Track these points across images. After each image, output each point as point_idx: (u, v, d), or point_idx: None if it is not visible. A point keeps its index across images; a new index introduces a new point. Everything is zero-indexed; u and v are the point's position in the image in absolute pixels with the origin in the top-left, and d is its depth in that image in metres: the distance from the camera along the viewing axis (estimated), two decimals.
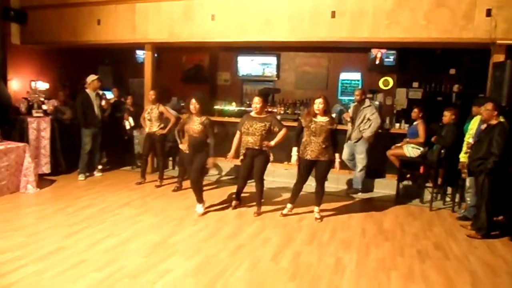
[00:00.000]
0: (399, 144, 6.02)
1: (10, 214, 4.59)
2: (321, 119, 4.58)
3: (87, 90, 6.18)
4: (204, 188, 5.84)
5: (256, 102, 4.75)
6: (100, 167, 6.52)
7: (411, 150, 5.77)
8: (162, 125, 5.93)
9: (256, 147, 4.70)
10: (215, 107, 7.86)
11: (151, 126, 5.94)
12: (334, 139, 4.66)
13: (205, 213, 4.80)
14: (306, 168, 4.69)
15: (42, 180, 5.83)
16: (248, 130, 4.72)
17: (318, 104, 4.58)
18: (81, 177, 6.18)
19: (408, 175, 6.01)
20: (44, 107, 6.56)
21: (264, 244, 3.92)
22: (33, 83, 7.09)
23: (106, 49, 8.32)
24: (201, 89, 8.37)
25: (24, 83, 7.21)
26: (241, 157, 4.80)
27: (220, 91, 8.64)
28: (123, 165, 7.04)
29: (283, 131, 4.72)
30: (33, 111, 6.32)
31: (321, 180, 4.74)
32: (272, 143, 4.72)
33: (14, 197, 5.21)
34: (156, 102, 5.91)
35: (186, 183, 5.93)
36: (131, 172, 6.76)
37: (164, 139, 6.09)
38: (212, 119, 5.94)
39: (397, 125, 6.53)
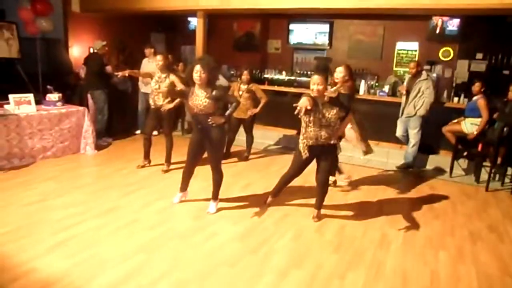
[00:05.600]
0: (455, 121, 5.69)
1: (72, 173, 4.95)
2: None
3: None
4: (251, 156, 5.95)
5: (317, 82, 3.47)
6: (155, 133, 6.78)
7: (469, 126, 5.44)
8: (170, 100, 4.91)
9: (332, 142, 3.67)
10: (266, 75, 7.81)
11: (158, 99, 4.95)
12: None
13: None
14: None
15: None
16: (320, 121, 3.54)
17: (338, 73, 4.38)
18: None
19: (465, 153, 5.70)
20: None
21: (309, 215, 3.94)
22: (91, 50, 7.41)
23: (160, 17, 8.46)
24: (251, 57, 8.38)
25: (83, 49, 7.53)
26: (305, 154, 3.66)
27: (271, 59, 8.55)
28: (173, 130, 7.27)
29: (350, 115, 3.82)
30: None
31: None
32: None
33: (75, 157, 5.59)
34: (165, 70, 4.85)
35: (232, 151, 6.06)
36: (181, 137, 6.95)
37: (173, 114, 5.25)
38: (262, 87, 5.96)
39: (456, 99, 6.16)
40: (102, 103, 6.25)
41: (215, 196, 3.95)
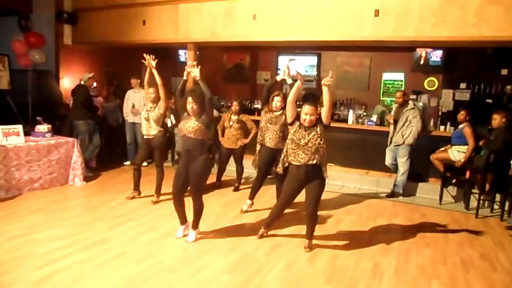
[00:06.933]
0: (442, 148, 5.79)
1: (60, 205, 4.86)
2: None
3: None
4: (242, 186, 5.92)
5: (310, 112, 3.54)
6: (144, 164, 6.74)
7: (456, 154, 5.53)
8: (162, 129, 4.99)
9: (311, 162, 3.58)
10: (255, 106, 7.89)
11: (149, 128, 4.97)
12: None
13: (246, 211, 4.86)
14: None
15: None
16: (299, 141, 3.58)
17: (276, 102, 4.69)
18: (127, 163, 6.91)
19: (454, 180, 5.76)
20: None
21: (300, 245, 3.89)
22: (82, 81, 7.46)
23: (150, 49, 8.59)
24: (241, 88, 8.49)
25: (74, 81, 7.58)
26: (279, 169, 3.84)
27: (260, 90, 8.64)
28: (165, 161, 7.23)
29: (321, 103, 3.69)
30: None
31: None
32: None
33: (63, 189, 5.51)
34: (157, 102, 4.95)
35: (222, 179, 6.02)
36: (171, 168, 6.92)
37: (165, 145, 5.27)
38: (252, 118, 6.00)
39: (442, 127, 6.27)
40: (82, 134, 6.23)
41: (195, 225, 3.91)
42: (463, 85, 7.01)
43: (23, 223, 4.14)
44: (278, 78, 4.58)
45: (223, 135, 5.86)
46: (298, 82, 3.69)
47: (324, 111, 3.60)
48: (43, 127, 5.59)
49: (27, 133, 5.45)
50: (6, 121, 5.38)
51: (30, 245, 3.61)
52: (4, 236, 3.78)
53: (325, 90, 3.57)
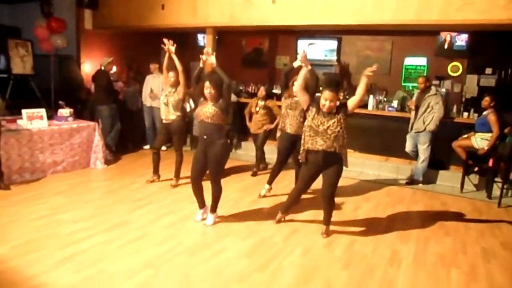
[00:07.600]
0: (465, 136, 5.64)
1: (82, 187, 4.99)
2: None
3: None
4: (260, 172, 5.94)
5: (329, 98, 3.45)
6: (163, 148, 6.82)
7: (479, 141, 5.39)
8: (180, 114, 5.00)
9: (331, 150, 3.55)
10: (274, 91, 7.85)
11: (167, 113, 5.00)
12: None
13: (264, 196, 4.88)
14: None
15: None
16: (317, 127, 3.54)
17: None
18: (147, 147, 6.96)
19: (476, 168, 5.63)
20: None
21: (318, 230, 3.90)
22: (102, 67, 7.54)
23: (169, 33, 8.59)
24: (260, 73, 8.44)
25: (95, 65, 7.67)
26: (302, 159, 3.71)
27: (279, 75, 8.57)
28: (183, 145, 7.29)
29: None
30: None
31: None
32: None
33: (85, 172, 5.64)
34: (176, 86, 4.97)
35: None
36: (189, 152, 6.97)
37: (184, 129, 5.27)
38: (271, 103, 5.96)
39: (465, 114, 6.11)
40: (105, 119, 6.33)
41: (213, 209, 3.97)
42: (488, 71, 6.77)
43: (48, 205, 4.27)
44: (295, 64, 4.50)
45: (250, 120, 5.88)
46: (305, 69, 3.64)
47: (355, 100, 3.52)
48: (65, 111, 5.70)
49: (50, 117, 5.56)
50: (30, 105, 5.51)
51: (54, 226, 3.73)
52: (29, 216, 3.92)
53: (363, 81, 3.46)
